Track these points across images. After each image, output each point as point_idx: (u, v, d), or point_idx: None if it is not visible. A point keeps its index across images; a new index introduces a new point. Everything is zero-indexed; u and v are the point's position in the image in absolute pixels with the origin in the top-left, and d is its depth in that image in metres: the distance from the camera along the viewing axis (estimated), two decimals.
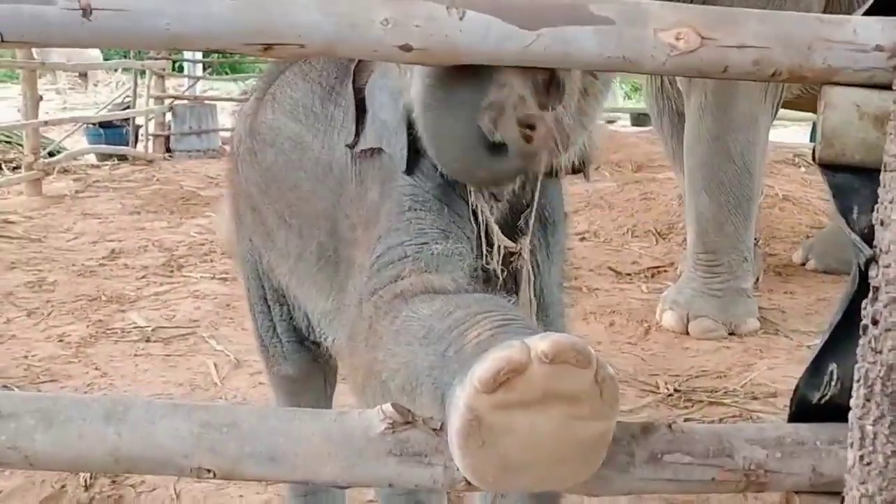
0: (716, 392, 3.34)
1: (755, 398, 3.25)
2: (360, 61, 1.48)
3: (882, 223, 0.95)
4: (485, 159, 1.16)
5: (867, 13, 1.00)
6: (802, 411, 1.10)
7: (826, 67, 0.97)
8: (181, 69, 11.41)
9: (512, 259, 1.39)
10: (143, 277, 4.52)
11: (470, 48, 0.96)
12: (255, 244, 1.99)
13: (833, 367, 1.05)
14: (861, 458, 0.98)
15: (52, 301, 4.01)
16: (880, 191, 0.95)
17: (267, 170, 1.83)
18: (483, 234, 1.36)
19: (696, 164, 3.98)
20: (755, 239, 4.42)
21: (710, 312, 4.00)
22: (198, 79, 11.08)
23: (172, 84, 11.06)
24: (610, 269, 5.08)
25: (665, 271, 5.08)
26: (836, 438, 1.06)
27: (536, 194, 1.38)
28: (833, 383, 1.05)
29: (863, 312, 0.97)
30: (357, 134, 1.48)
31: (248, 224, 2.00)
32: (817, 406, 1.08)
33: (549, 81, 1.07)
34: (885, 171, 0.94)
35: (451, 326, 1.09)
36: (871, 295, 0.96)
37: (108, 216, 6.12)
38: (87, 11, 0.91)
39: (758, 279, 4.58)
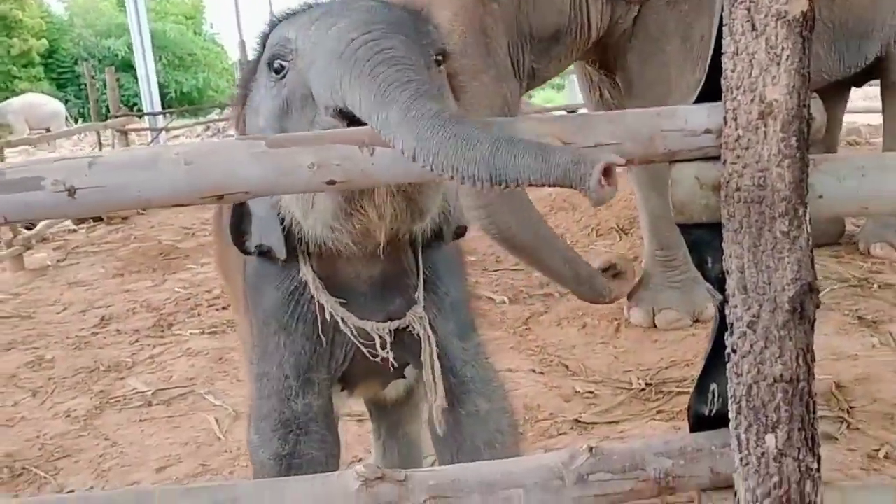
0: (684, 381, 3.57)
1: None
2: None
3: (727, 272, 1.18)
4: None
5: (696, 101, 1.24)
6: (698, 423, 1.34)
7: (667, 151, 1.21)
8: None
9: (404, 331, 1.65)
10: (136, 342, 4.71)
11: (382, 176, 1.19)
12: None
13: (714, 386, 1.28)
14: (741, 460, 1.22)
15: (54, 378, 4.20)
16: (724, 245, 1.19)
17: None
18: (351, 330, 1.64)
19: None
20: None
21: (673, 304, 4.24)
22: (160, 130, 11.28)
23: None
24: None
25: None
26: (726, 442, 1.29)
27: (421, 267, 1.65)
28: (716, 400, 1.29)
29: (725, 343, 1.21)
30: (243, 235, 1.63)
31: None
32: (709, 417, 1.32)
33: None
34: (724, 230, 1.18)
35: None
36: (728, 330, 1.19)
37: (93, 282, 6.29)
38: (71, 192, 1.13)
39: None
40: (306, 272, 1.62)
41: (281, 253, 1.56)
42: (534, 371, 3.78)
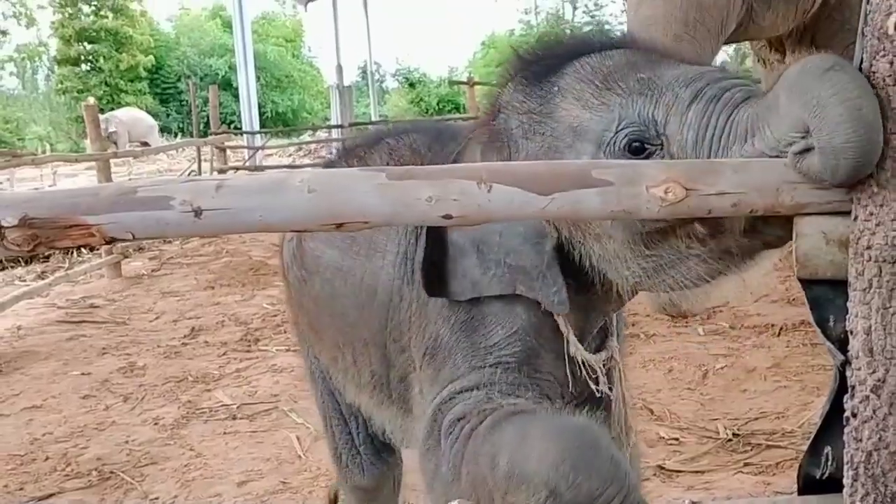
0: (774, 434, 3.46)
1: None
2: None
3: (851, 332, 1.14)
4: None
5: None
6: (809, 485, 1.28)
7: (795, 204, 1.17)
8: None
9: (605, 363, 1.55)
10: (224, 354, 4.83)
11: (498, 213, 1.19)
12: (321, 362, 2.07)
13: (828, 449, 1.23)
14: None
15: (145, 385, 4.34)
16: (848, 304, 1.14)
17: (316, 298, 1.89)
18: (574, 359, 1.50)
19: None
20: None
21: None
22: (257, 149, 11.61)
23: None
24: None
25: (720, 311, 5.18)
26: None
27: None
28: (829, 463, 1.23)
29: (845, 406, 1.15)
30: (436, 279, 1.48)
31: (311, 343, 2.08)
32: (820, 481, 1.26)
33: None
34: (850, 288, 1.14)
35: None
36: (849, 392, 1.14)
37: (185, 293, 6.50)
38: (198, 213, 1.17)
39: None
40: (562, 320, 1.48)
41: (564, 307, 1.41)
42: None
